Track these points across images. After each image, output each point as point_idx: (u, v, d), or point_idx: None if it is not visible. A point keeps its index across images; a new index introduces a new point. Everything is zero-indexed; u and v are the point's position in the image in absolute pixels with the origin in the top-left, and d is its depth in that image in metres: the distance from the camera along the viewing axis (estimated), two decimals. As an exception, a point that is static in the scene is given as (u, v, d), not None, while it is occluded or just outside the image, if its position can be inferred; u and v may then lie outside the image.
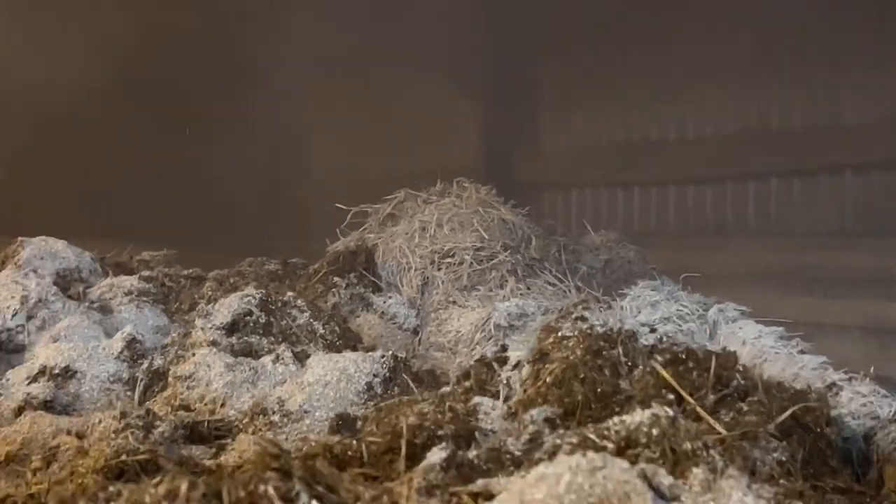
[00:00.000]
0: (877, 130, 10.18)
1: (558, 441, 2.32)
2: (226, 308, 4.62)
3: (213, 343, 4.38)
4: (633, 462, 1.99)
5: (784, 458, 2.47)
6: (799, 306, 9.25)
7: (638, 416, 2.24)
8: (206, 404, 3.74)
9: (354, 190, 7.06)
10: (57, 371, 4.32)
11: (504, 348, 3.52)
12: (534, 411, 2.63)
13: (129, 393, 4.28)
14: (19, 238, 5.93)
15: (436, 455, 2.29)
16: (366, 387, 3.66)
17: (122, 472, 2.39)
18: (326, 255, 6.31)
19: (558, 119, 14.86)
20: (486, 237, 6.01)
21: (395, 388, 3.73)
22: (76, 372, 4.34)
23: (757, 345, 4.26)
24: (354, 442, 2.62)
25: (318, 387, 3.66)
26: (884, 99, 10.13)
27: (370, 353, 3.96)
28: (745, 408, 2.60)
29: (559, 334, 3.06)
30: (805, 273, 10.60)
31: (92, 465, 2.45)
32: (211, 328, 4.51)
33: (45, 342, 4.86)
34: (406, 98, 15.84)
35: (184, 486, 1.60)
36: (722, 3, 11.51)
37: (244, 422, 3.59)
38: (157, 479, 1.66)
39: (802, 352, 4.07)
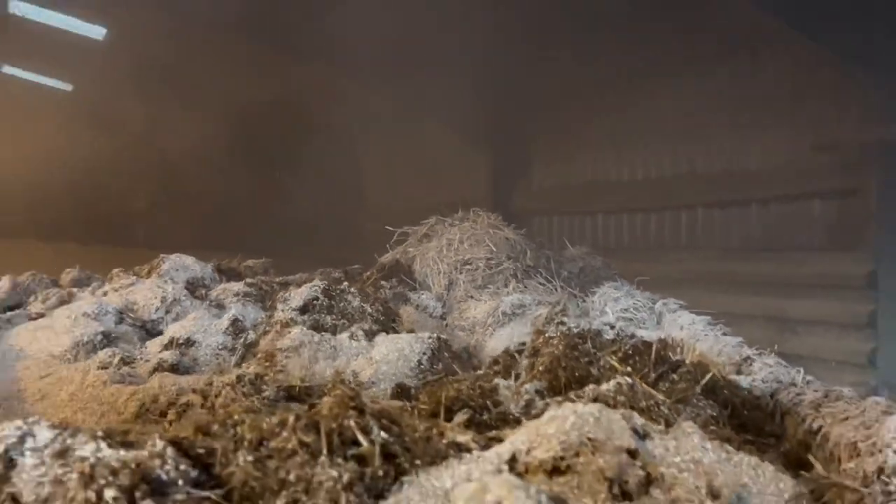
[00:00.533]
0: (773, 174, 10.20)
1: (548, 402, 2.38)
2: (299, 295, 4.63)
3: (291, 321, 4.40)
4: None
5: (715, 413, 2.47)
6: (720, 301, 9.21)
7: (605, 386, 2.27)
8: (298, 372, 3.75)
9: (399, 216, 7.04)
10: (181, 341, 4.39)
11: (524, 344, 3.53)
12: (528, 385, 2.66)
13: (231, 357, 4.32)
14: (161, 255, 6.00)
15: (459, 417, 2.31)
16: (417, 363, 3.65)
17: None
18: (376, 265, 6.32)
19: (544, 165, 14.99)
20: (495, 250, 6.00)
21: (439, 363, 3.72)
22: (195, 342, 4.40)
23: (691, 329, 4.25)
24: (409, 406, 2.65)
25: (382, 364, 3.65)
26: (777, 151, 10.16)
27: (420, 336, 3.92)
28: (676, 378, 2.62)
29: (546, 335, 3.09)
30: (724, 277, 10.61)
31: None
32: (288, 309, 4.53)
33: (176, 330, 4.94)
34: (436, 150, 16.06)
35: (291, 418, 1.65)
36: (662, 83, 11.54)
37: (328, 388, 3.59)
38: (271, 411, 1.71)
39: (725, 334, 4.05)
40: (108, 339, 4.51)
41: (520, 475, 1.65)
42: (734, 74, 10.69)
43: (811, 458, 2.17)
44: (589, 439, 1.68)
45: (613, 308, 4.99)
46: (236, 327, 4.65)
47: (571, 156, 14.10)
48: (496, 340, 4.62)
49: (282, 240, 17.28)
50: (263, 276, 6.48)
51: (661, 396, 2.40)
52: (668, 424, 2.11)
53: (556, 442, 1.67)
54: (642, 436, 1.81)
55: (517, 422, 2.34)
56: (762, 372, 3.18)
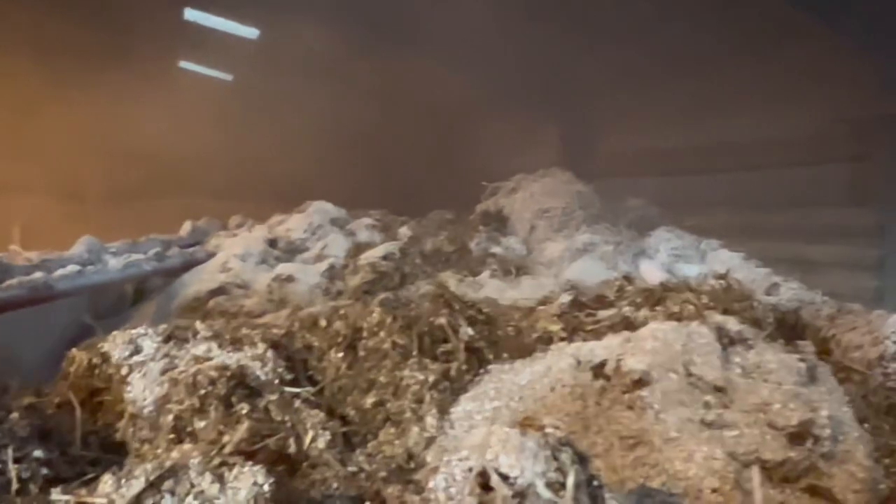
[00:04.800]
0: (799, 142, 10.03)
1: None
2: (383, 247, 4.85)
3: (375, 263, 4.61)
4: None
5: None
6: (754, 247, 9.13)
7: (706, 284, 2.26)
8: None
9: (496, 175, 7.12)
10: (284, 277, 4.60)
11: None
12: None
13: (322, 295, 4.47)
14: (307, 201, 6.27)
15: (565, 297, 2.40)
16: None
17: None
18: (476, 212, 6.40)
19: (606, 139, 14.88)
20: (569, 201, 6.04)
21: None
22: (296, 279, 4.60)
23: (729, 263, 4.26)
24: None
25: (524, 299, 3.88)
26: (802, 123, 9.94)
27: (557, 280, 4.30)
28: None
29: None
30: (757, 226, 10.46)
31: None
32: (372, 256, 4.74)
33: (319, 247, 5.29)
34: (519, 125, 16.07)
35: (389, 319, 1.62)
36: (706, 68, 11.35)
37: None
38: (371, 310, 1.65)
39: (758, 267, 4.05)
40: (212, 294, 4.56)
41: (607, 378, 1.61)
42: (766, 60, 10.42)
43: (831, 346, 2.18)
44: (684, 366, 1.60)
45: (666, 247, 5.02)
46: (331, 272, 4.80)
47: (631, 128, 13.97)
48: (571, 272, 4.69)
49: (393, 196, 17.50)
50: (391, 216, 6.69)
51: (751, 296, 2.41)
52: (758, 323, 2.08)
53: (649, 357, 1.62)
54: (737, 340, 1.77)
55: (611, 305, 2.42)
56: (787, 294, 3.21)
